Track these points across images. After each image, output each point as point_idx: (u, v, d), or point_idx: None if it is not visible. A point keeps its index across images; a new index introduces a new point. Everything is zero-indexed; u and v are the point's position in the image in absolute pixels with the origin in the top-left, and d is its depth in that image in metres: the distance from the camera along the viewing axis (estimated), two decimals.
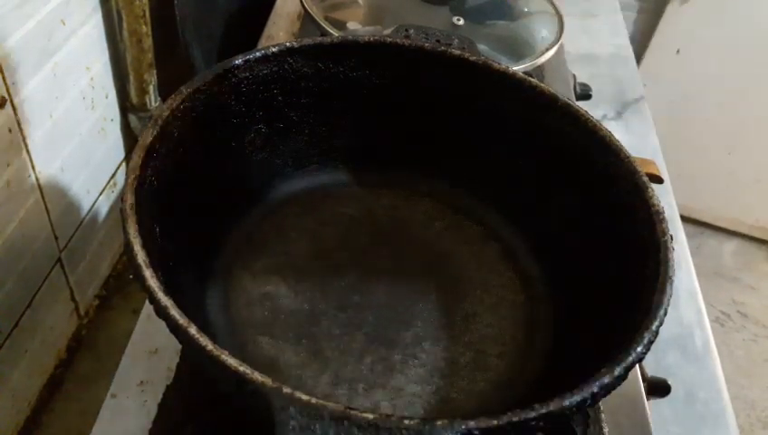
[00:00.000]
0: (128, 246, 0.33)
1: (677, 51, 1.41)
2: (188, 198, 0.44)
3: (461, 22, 0.69)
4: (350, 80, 0.52)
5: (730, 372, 1.36)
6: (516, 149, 0.52)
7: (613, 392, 0.32)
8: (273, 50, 0.48)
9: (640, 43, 1.41)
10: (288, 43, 0.49)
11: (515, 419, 0.28)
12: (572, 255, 0.48)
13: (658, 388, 0.58)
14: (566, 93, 0.62)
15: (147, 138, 0.39)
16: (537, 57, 0.67)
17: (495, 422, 0.28)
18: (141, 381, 0.48)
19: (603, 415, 0.44)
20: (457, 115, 0.53)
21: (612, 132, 0.45)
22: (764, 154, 1.52)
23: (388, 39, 0.51)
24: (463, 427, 0.28)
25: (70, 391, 0.68)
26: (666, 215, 0.40)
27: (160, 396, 0.43)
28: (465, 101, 0.53)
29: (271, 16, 0.84)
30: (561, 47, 0.79)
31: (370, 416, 0.28)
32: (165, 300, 0.31)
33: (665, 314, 0.34)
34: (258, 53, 0.47)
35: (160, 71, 0.73)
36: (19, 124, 0.56)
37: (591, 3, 1.08)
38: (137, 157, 0.38)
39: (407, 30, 0.57)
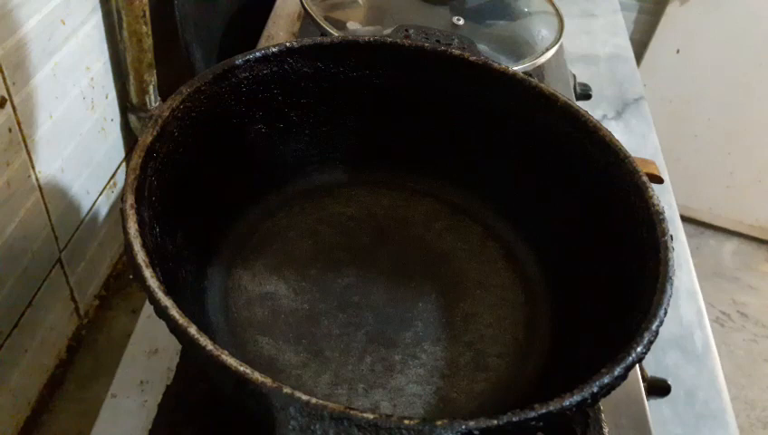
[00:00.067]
0: (128, 246, 0.33)
1: (677, 51, 1.41)
2: (188, 198, 0.44)
3: (461, 22, 0.69)
4: (350, 80, 0.52)
5: (730, 372, 1.36)
6: (516, 149, 0.52)
7: (613, 392, 0.32)
8: (273, 50, 0.48)
9: (640, 43, 1.41)
10: (288, 43, 0.49)
11: (515, 419, 0.28)
12: (572, 255, 0.48)
13: (658, 388, 0.58)
14: (566, 93, 0.62)
15: (147, 138, 0.39)
16: (537, 57, 0.67)
17: (495, 422, 0.28)
18: (141, 381, 0.48)
19: (603, 415, 0.44)
20: (457, 115, 0.53)
21: (612, 132, 0.46)
22: (764, 154, 1.52)
23: (388, 39, 0.51)
24: (463, 427, 0.28)
25: (70, 391, 0.68)
26: (666, 215, 0.40)
27: (160, 396, 0.43)
28: (465, 101, 0.53)
29: (271, 16, 0.84)
30: (561, 47, 0.79)
31: (370, 416, 0.28)
32: (165, 300, 0.31)
33: (665, 314, 0.34)
34: (258, 53, 0.47)
35: (160, 71, 0.73)
36: (19, 124, 0.56)
37: (591, 3, 1.08)
38: (137, 157, 0.38)
39: (407, 30, 0.57)
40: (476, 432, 0.28)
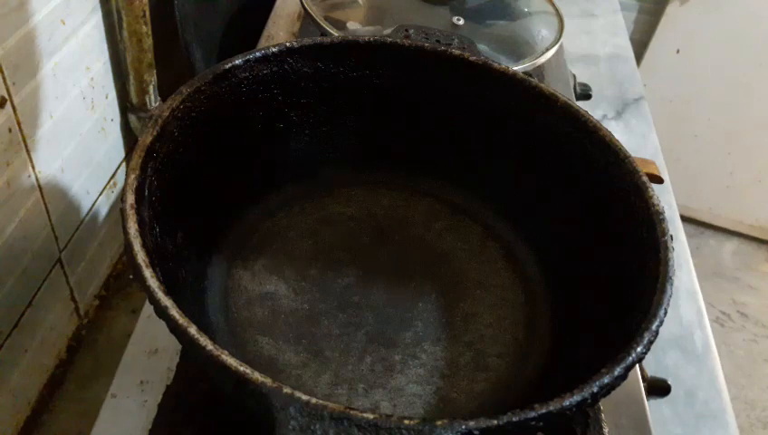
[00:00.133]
0: (128, 246, 0.33)
1: (677, 51, 1.41)
2: (188, 198, 0.44)
3: (461, 22, 0.69)
4: (350, 80, 0.52)
5: (730, 372, 1.36)
6: (516, 150, 0.52)
7: (613, 392, 0.32)
8: (273, 50, 0.48)
9: (640, 43, 1.41)
10: (288, 43, 0.49)
11: (515, 419, 0.28)
12: (572, 255, 0.48)
13: (658, 388, 0.58)
14: (566, 93, 0.62)
15: (147, 138, 0.39)
16: (537, 57, 0.67)
17: (495, 422, 0.28)
18: (141, 381, 0.48)
19: (603, 415, 0.44)
20: (457, 115, 0.53)
21: (612, 132, 0.46)
22: (764, 154, 1.52)
23: (388, 39, 0.51)
24: (463, 427, 0.28)
25: (70, 391, 0.68)
26: (666, 215, 0.40)
27: (160, 396, 0.43)
28: (465, 101, 0.53)
29: (271, 16, 0.84)
30: (561, 47, 0.79)
31: (370, 416, 0.28)
32: (165, 300, 0.31)
33: (665, 314, 0.34)
34: (258, 53, 0.47)
35: (160, 71, 0.73)
36: (19, 124, 0.56)
37: (591, 3, 1.08)
38: (137, 157, 0.38)
39: (407, 30, 0.57)
40: (476, 432, 0.28)
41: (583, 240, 0.47)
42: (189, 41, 0.73)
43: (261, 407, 0.28)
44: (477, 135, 0.54)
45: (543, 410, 0.29)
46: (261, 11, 0.85)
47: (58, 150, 0.63)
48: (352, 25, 0.68)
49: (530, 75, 0.51)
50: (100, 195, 0.74)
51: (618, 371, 0.32)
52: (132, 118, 0.75)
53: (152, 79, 0.72)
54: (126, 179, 0.36)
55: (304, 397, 0.28)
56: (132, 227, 0.34)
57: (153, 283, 0.32)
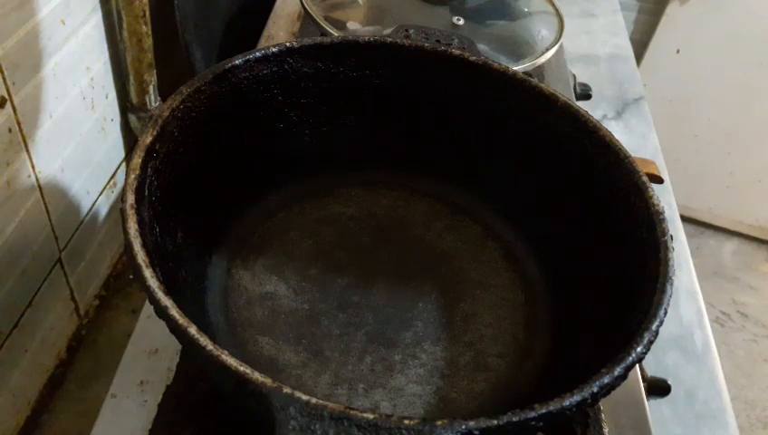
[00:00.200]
0: (128, 246, 0.33)
1: (677, 51, 1.41)
2: (188, 198, 0.44)
3: (461, 22, 0.69)
4: (350, 80, 0.52)
5: (730, 372, 1.36)
6: (516, 150, 0.52)
7: (613, 392, 0.32)
8: (273, 50, 0.48)
9: (640, 43, 1.41)
10: (288, 43, 0.49)
11: (515, 419, 0.28)
12: (572, 255, 0.48)
13: (658, 388, 0.58)
14: (566, 93, 0.62)
15: (147, 138, 0.39)
16: (537, 57, 0.67)
17: (495, 422, 0.28)
18: (141, 381, 0.48)
19: (603, 415, 0.44)
20: (457, 115, 0.53)
21: (612, 132, 0.46)
22: (764, 154, 1.52)
23: (388, 39, 0.51)
24: (463, 427, 0.28)
25: (70, 391, 0.68)
26: (666, 215, 0.40)
27: (160, 396, 0.43)
28: (465, 101, 0.53)
29: (271, 16, 0.84)
30: (561, 47, 0.79)
31: (370, 416, 0.28)
32: (165, 300, 0.31)
33: (665, 314, 0.34)
34: (258, 53, 0.47)
35: (160, 71, 0.73)
36: (19, 124, 0.56)
37: (591, 3, 1.08)
38: (137, 157, 0.38)
39: (407, 30, 0.57)
40: (476, 432, 0.28)
41: (583, 240, 0.47)
42: (189, 41, 0.73)
43: (261, 407, 0.28)
44: (477, 135, 0.54)
45: (543, 410, 0.29)
46: (261, 11, 0.85)
47: (58, 150, 0.63)
48: (352, 25, 0.68)
49: (530, 75, 0.51)
50: (100, 195, 0.74)
51: (618, 371, 0.32)
52: (132, 118, 0.75)
53: (152, 79, 0.72)
54: (126, 179, 0.36)
55: (304, 397, 0.28)
56: (132, 227, 0.34)
57: (153, 283, 0.32)
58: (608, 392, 0.31)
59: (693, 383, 0.60)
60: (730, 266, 1.64)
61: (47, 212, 0.63)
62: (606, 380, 0.31)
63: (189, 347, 0.30)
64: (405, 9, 0.71)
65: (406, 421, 0.27)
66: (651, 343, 0.33)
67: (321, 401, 0.28)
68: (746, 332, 1.49)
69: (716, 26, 1.35)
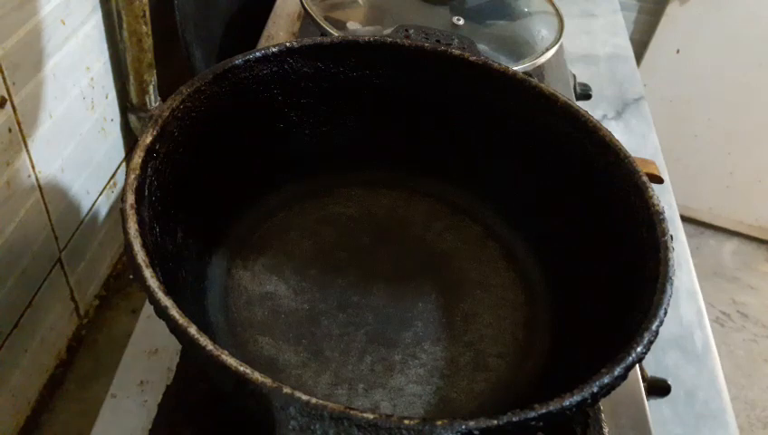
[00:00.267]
0: (128, 246, 0.33)
1: (677, 51, 1.41)
2: (188, 198, 0.44)
3: (461, 22, 0.69)
4: (350, 80, 0.52)
5: (730, 372, 1.37)
6: (516, 150, 0.52)
7: (613, 392, 0.32)
8: (273, 50, 0.48)
9: (640, 43, 1.41)
10: (288, 43, 0.49)
11: (515, 419, 0.28)
12: (572, 255, 0.48)
13: (658, 388, 0.58)
14: (566, 93, 0.62)
15: (147, 138, 0.39)
16: (537, 57, 0.67)
17: (495, 422, 0.28)
18: (141, 381, 0.48)
19: (603, 415, 0.44)
20: (457, 115, 0.53)
21: (612, 132, 0.46)
22: (764, 154, 1.52)
23: (388, 39, 0.51)
24: (463, 427, 0.28)
25: (70, 391, 0.68)
26: (666, 215, 0.40)
27: (160, 396, 0.43)
28: (465, 101, 0.53)
29: (271, 16, 0.84)
30: (561, 47, 0.79)
31: (370, 416, 0.28)
32: (165, 300, 0.31)
33: (665, 314, 0.34)
34: (258, 53, 0.47)
35: (160, 71, 0.73)
36: (19, 124, 0.56)
37: (591, 3, 1.08)
38: (137, 157, 0.38)
39: (407, 30, 0.57)
40: (476, 432, 0.28)
41: (583, 240, 0.47)
42: (189, 41, 0.73)
43: (261, 407, 0.28)
44: (477, 135, 0.54)
45: (543, 410, 0.29)
46: (261, 11, 0.85)
47: (58, 150, 0.63)
48: (352, 25, 0.68)
49: (530, 75, 0.51)
50: (100, 195, 0.74)
51: (618, 371, 0.32)
52: (132, 118, 0.75)
53: (152, 79, 0.72)
54: (126, 179, 0.36)
55: (304, 397, 0.28)
56: (132, 227, 0.34)
57: (153, 283, 0.32)
58: (608, 392, 0.31)
59: (693, 383, 0.60)
60: (730, 266, 1.64)
61: (47, 212, 0.63)
62: (606, 380, 0.31)
63: (189, 347, 0.30)
64: (405, 9, 0.71)
65: (406, 421, 0.27)
66: (651, 343, 0.33)
67: (321, 401, 0.28)
68: (746, 332, 1.49)
69: (716, 26, 1.35)
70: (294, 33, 0.81)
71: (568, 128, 0.47)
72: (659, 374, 0.59)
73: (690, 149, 1.54)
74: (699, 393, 0.60)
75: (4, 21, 0.51)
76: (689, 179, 1.59)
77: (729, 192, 1.61)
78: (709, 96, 1.45)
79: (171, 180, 0.41)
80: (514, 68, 0.51)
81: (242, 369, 0.28)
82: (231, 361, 0.29)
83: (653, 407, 0.53)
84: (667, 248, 0.38)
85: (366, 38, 0.51)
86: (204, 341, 0.29)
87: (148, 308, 0.53)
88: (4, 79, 0.52)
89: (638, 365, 0.40)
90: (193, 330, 0.30)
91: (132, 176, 0.37)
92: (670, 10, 1.36)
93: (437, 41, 0.56)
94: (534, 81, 0.49)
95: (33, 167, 0.59)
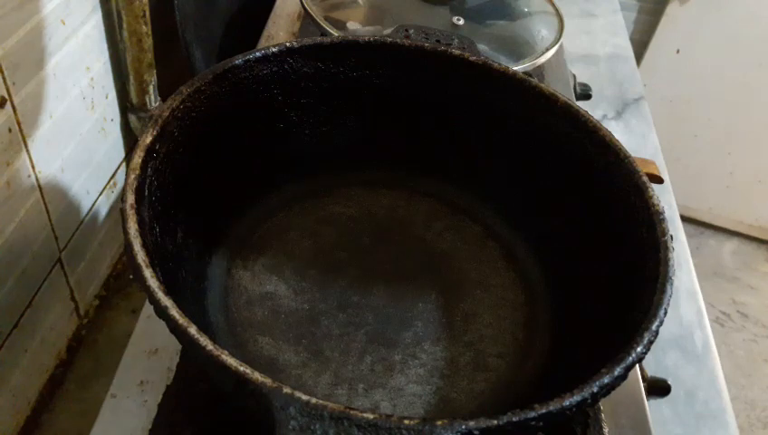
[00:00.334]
0: (128, 246, 0.33)
1: (677, 51, 1.41)
2: (188, 198, 0.44)
3: (461, 22, 0.69)
4: (350, 80, 0.52)
5: (730, 372, 1.37)
6: (516, 150, 0.52)
7: (613, 392, 0.32)
8: (273, 50, 0.48)
9: (640, 43, 1.41)
10: (288, 43, 0.49)
11: (515, 419, 0.28)
12: (572, 255, 0.48)
13: (658, 388, 0.58)
14: (566, 93, 0.62)
15: (147, 138, 0.39)
16: (537, 57, 0.67)
17: (495, 422, 0.28)
18: (141, 381, 0.48)
19: (603, 415, 0.44)
20: (457, 115, 0.53)
21: (612, 132, 0.46)
22: (764, 154, 1.52)
23: (388, 39, 0.51)
24: (463, 427, 0.28)
25: (70, 391, 0.68)
26: (666, 215, 0.40)
27: (160, 396, 0.43)
28: (465, 101, 0.53)
29: (271, 16, 0.84)
30: (561, 47, 0.79)
31: (370, 416, 0.28)
32: (165, 300, 0.31)
33: (665, 314, 0.34)
34: (258, 53, 0.47)
35: (160, 71, 0.73)
36: (19, 124, 0.56)
37: (591, 3, 1.08)
38: (137, 157, 0.38)
39: (407, 30, 0.57)
40: (476, 432, 0.28)
41: (583, 240, 0.47)
42: (189, 41, 0.73)
43: (261, 407, 0.28)
44: (477, 135, 0.54)
45: (543, 410, 0.29)
46: (261, 11, 0.85)
47: (58, 150, 0.63)
48: (352, 25, 0.68)
49: (530, 75, 0.51)
50: (100, 195, 0.74)
51: (618, 371, 0.32)
52: (132, 118, 0.75)
53: (152, 79, 0.72)
54: (126, 179, 0.36)
55: (304, 397, 0.28)
56: (132, 227, 0.34)
57: (153, 283, 0.32)
58: (608, 392, 0.31)
59: (693, 383, 0.60)
60: (730, 266, 1.64)
61: (47, 212, 0.63)
62: (606, 380, 0.31)
63: (189, 347, 0.30)
64: (405, 9, 0.71)
65: (406, 421, 0.27)
66: (651, 343, 0.33)
67: (321, 401, 0.28)
68: (746, 332, 1.49)
69: (716, 26, 1.35)
70: (294, 33, 0.81)
71: (568, 128, 0.47)
72: (659, 374, 0.59)
73: (690, 149, 1.54)
74: (699, 393, 0.60)
75: (4, 21, 0.51)
76: (689, 179, 1.59)
77: (729, 192, 1.61)
78: (709, 96, 1.45)
79: (171, 180, 0.41)
80: (514, 68, 0.51)
81: (242, 369, 0.28)
82: (231, 361, 0.29)
83: (653, 407, 0.53)
84: (667, 248, 0.38)
85: (366, 38, 0.51)
86: (204, 341, 0.29)
87: (148, 308, 0.53)
88: (4, 79, 0.52)
89: (638, 365, 0.40)
90: (193, 330, 0.30)
91: (132, 176, 0.37)
92: (670, 10, 1.36)
93: (437, 41, 0.56)
94: (534, 81, 0.49)
95: (33, 167, 0.59)
